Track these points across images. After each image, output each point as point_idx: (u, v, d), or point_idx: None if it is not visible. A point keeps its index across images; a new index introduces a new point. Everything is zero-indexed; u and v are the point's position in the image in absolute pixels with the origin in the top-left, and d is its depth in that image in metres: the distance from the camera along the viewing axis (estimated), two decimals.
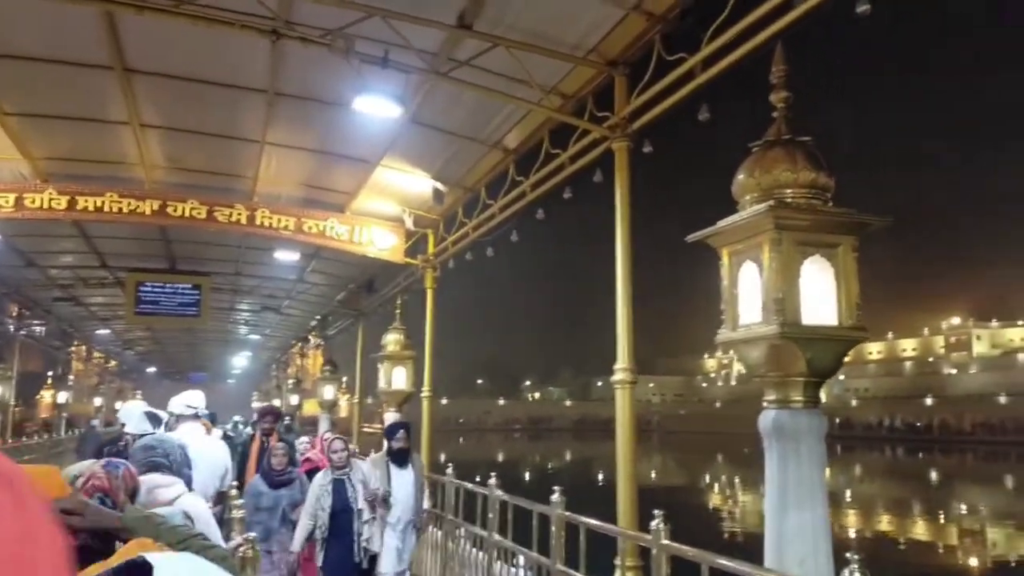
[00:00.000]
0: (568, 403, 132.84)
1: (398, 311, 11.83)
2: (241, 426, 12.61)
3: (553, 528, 5.19)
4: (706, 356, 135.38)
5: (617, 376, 5.50)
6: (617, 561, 5.18)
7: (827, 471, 3.46)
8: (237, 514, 4.31)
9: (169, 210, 9.87)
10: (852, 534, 23.38)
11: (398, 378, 11.29)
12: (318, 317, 19.70)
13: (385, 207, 10.56)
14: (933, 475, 45.89)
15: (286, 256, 12.85)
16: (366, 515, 6.14)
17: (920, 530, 24.34)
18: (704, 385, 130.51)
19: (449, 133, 7.88)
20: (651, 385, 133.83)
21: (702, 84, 4.90)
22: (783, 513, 3.41)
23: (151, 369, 40.62)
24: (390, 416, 11.29)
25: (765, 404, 3.56)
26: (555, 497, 5.24)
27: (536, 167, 7.35)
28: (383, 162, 8.96)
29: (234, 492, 5.34)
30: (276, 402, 21.46)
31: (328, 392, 17.48)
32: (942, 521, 26.29)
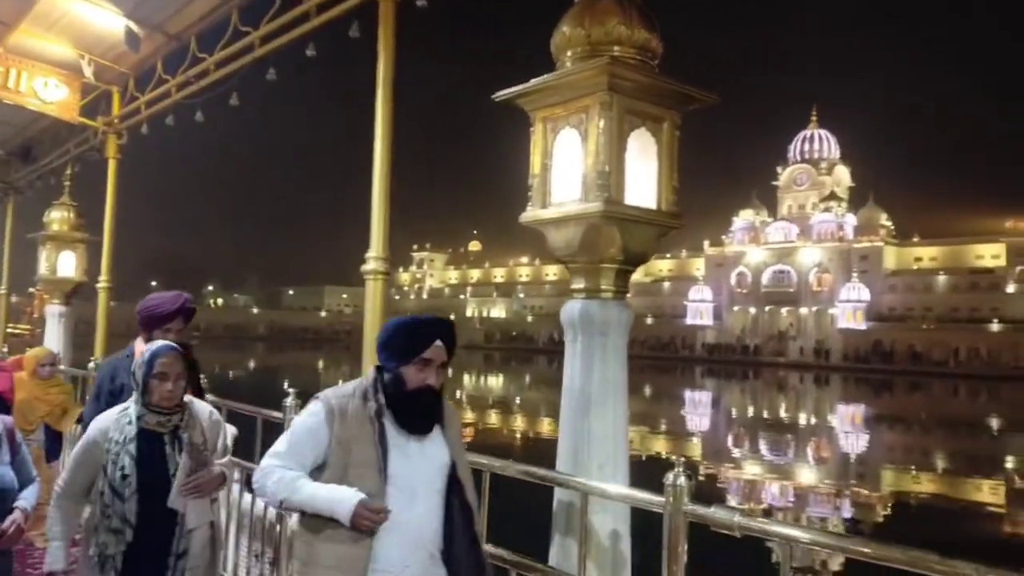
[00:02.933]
0: (256, 311, 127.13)
1: (67, 183, 9.68)
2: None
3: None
4: (401, 270, 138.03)
5: (369, 265, 4.81)
6: None
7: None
8: None
9: None
10: (517, 436, 25.84)
11: (65, 264, 9.31)
12: None
13: (56, 49, 8.29)
14: None
15: None
16: (193, 520, 2.73)
17: None
18: (397, 298, 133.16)
19: None
20: (344, 296, 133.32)
21: None
22: (583, 414, 3.06)
23: None
24: (53, 310, 9.28)
25: (572, 293, 3.16)
26: (289, 400, 4.45)
27: (269, 16, 6.09)
28: None
29: None
30: None
31: None
32: None
